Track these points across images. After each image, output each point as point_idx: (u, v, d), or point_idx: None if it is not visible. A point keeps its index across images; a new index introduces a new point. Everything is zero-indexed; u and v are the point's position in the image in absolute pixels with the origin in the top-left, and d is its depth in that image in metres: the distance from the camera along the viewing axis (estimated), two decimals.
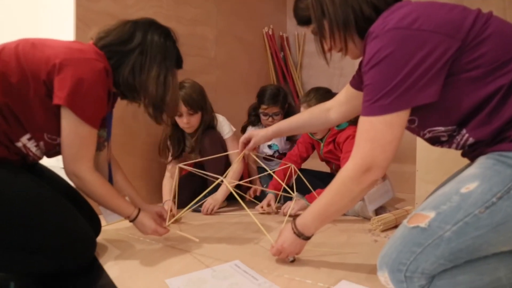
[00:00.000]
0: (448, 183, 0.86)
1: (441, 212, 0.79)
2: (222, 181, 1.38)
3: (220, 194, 1.82)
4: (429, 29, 0.81)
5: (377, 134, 0.85)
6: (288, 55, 3.13)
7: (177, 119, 1.82)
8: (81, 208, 1.24)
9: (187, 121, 1.81)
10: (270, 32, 3.01)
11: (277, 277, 0.99)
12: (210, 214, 1.78)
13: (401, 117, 0.84)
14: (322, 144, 1.88)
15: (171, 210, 1.61)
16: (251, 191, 1.98)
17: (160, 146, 1.92)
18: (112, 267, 1.09)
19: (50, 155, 1.18)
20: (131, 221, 1.20)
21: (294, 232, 1.04)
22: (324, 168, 2.08)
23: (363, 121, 0.88)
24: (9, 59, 1.02)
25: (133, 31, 1.18)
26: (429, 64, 0.80)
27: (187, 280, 0.98)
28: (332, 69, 3.08)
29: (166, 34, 1.24)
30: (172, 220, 1.35)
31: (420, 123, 0.92)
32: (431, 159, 1.78)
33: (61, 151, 1.09)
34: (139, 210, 1.22)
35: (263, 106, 2.10)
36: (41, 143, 1.11)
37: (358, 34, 0.95)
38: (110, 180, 1.30)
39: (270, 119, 2.09)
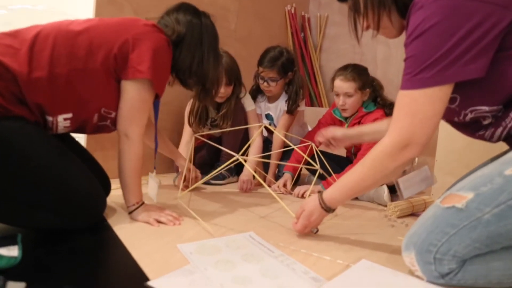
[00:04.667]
0: (487, 166, 0.80)
1: (481, 194, 0.73)
2: (238, 157, 1.33)
3: (248, 171, 1.75)
4: None
5: (418, 109, 0.79)
6: (308, 36, 3.05)
7: None
8: (92, 166, 1.21)
9: (224, 91, 1.76)
10: (293, 11, 2.93)
11: (293, 251, 0.95)
12: (248, 191, 1.73)
13: (444, 91, 0.78)
14: (346, 125, 1.80)
15: (188, 172, 1.57)
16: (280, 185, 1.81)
17: (194, 116, 1.85)
18: (121, 229, 1.06)
19: (89, 132, 1.19)
20: (132, 210, 1.14)
21: (322, 207, 1.00)
22: (340, 151, 2.02)
23: (403, 95, 0.82)
24: (78, 29, 1.05)
25: (190, 19, 1.22)
26: (478, 36, 0.74)
27: (200, 246, 0.94)
28: (352, 54, 3.00)
29: (208, 16, 1.29)
30: (189, 189, 1.31)
31: (461, 101, 0.85)
32: (452, 150, 1.72)
33: (119, 111, 1.12)
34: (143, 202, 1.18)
35: (260, 69, 1.89)
36: (96, 115, 1.11)
37: (398, 10, 0.88)
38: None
39: (266, 84, 1.89)
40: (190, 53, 1.21)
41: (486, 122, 0.87)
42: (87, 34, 1.05)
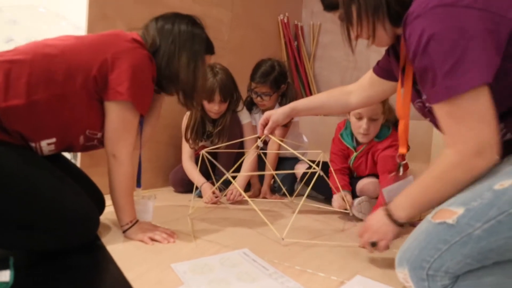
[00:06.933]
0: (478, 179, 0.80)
1: (471, 209, 0.73)
2: (232, 172, 1.35)
3: (240, 181, 1.77)
4: (479, 7, 0.72)
5: (470, 112, 0.74)
6: (302, 45, 3.06)
7: (206, 104, 1.75)
8: (85, 185, 1.21)
9: (218, 108, 1.75)
10: (285, 20, 2.94)
11: (288, 268, 0.95)
12: (236, 201, 1.73)
13: (481, 90, 0.73)
14: (355, 154, 1.63)
15: (213, 192, 1.67)
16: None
17: (190, 131, 1.83)
18: (115, 248, 1.05)
19: (77, 150, 1.20)
20: (126, 229, 1.14)
21: (390, 218, 0.91)
22: None
23: (441, 107, 0.78)
24: (55, 52, 1.03)
25: (162, 25, 1.19)
26: (483, 39, 0.71)
27: (193, 266, 0.94)
28: (346, 62, 3.01)
29: (192, 22, 1.25)
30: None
31: None
32: None
33: (105, 133, 1.12)
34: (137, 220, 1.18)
35: (253, 84, 1.89)
36: (81, 137, 1.11)
37: (390, 20, 0.88)
38: (139, 173, 1.29)
39: (259, 98, 1.89)
40: (164, 57, 1.18)
41: None
42: (64, 56, 1.04)
